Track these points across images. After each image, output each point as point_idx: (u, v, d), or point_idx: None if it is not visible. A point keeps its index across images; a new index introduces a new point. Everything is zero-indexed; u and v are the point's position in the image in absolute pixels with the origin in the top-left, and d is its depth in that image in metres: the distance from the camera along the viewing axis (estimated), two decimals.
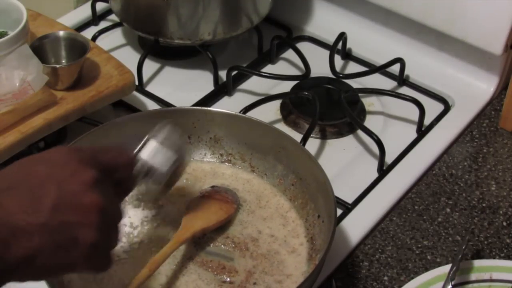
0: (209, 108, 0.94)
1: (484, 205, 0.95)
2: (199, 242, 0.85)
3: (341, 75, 1.13)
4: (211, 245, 0.85)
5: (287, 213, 0.89)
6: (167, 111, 0.96)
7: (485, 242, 0.91)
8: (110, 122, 0.91)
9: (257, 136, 0.92)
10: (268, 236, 0.86)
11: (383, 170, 1.00)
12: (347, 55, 1.20)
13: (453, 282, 0.81)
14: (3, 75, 0.92)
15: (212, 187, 0.91)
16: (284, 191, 0.91)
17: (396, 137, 1.05)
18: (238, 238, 0.86)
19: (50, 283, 0.75)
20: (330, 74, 1.13)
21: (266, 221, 0.88)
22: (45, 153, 0.65)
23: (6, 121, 0.92)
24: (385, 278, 0.86)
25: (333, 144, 1.05)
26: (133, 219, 0.87)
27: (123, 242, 0.84)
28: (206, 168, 0.94)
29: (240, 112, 1.01)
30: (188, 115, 0.93)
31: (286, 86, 1.11)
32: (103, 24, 1.25)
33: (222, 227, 0.87)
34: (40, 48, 1.00)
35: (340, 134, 1.07)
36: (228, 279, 0.81)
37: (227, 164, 0.94)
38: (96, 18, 1.25)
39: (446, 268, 0.83)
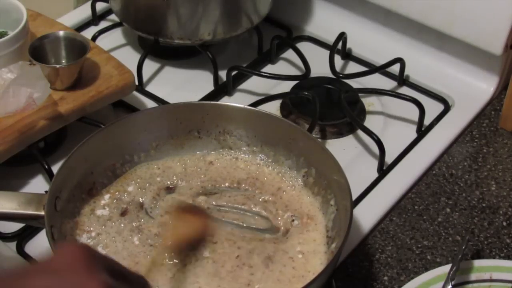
0: (218, 102, 0.94)
1: (484, 205, 0.95)
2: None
3: (341, 75, 1.13)
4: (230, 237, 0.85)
5: (301, 203, 0.89)
6: (176, 106, 0.96)
7: (485, 242, 0.91)
8: (117, 120, 0.90)
9: (267, 128, 0.92)
10: (284, 227, 0.86)
11: (383, 170, 1.00)
12: (347, 55, 1.20)
13: (453, 282, 0.81)
14: (10, 92, 0.92)
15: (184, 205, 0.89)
16: (296, 182, 0.91)
17: (396, 137, 1.05)
18: (255, 228, 0.86)
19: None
20: (330, 74, 1.13)
21: (280, 212, 0.88)
22: (48, 260, 0.59)
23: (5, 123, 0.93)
24: (385, 278, 0.86)
25: (333, 144, 1.05)
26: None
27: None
28: (220, 162, 0.94)
29: None
30: (198, 110, 0.93)
31: (286, 86, 1.11)
32: (103, 24, 1.25)
33: (237, 219, 0.87)
34: (40, 48, 1.00)
35: (340, 134, 1.07)
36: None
37: (237, 156, 0.94)
38: (96, 18, 1.25)
39: (446, 268, 0.83)
